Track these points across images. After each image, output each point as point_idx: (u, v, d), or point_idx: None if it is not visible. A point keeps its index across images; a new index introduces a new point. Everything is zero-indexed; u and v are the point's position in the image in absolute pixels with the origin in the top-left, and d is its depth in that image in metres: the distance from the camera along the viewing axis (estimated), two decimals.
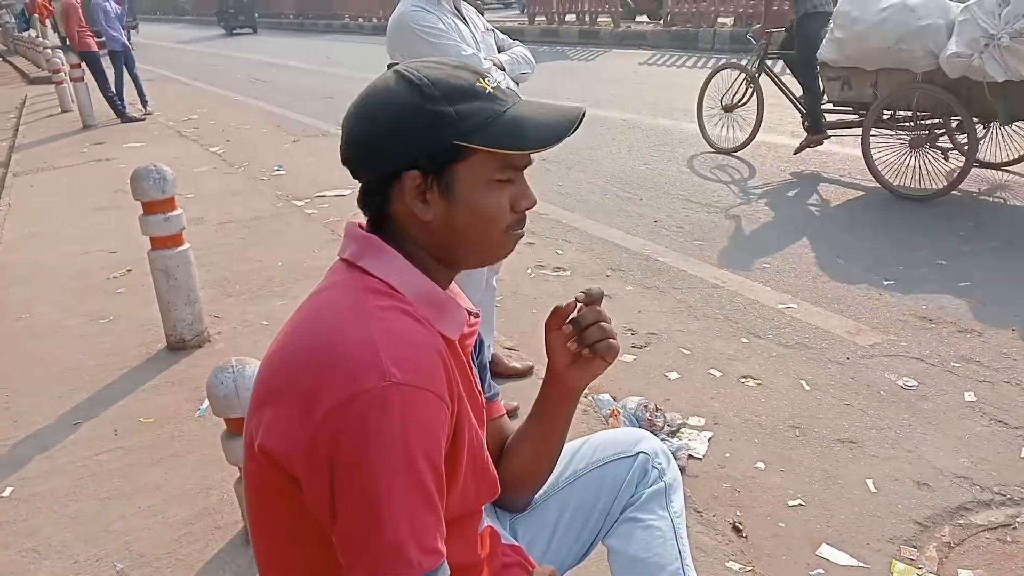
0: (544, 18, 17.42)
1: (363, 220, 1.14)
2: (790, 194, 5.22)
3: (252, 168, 7.33)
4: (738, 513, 2.32)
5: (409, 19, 2.56)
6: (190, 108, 11.64)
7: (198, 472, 2.62)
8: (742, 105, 6.32)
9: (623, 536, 1.34)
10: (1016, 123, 4.88)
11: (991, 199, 4.96)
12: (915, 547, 2.16)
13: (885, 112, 5.12)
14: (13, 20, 29.76)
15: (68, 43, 12.66)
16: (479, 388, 1.18)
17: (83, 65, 10.19)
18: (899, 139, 5.09)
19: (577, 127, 1.05)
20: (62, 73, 11.40)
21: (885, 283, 3.79)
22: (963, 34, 4.45)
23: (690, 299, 3.83)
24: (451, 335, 1.06)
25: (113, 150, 8.47)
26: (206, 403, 3.00)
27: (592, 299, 1.17)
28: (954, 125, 4.98)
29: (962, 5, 4.57)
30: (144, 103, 10.90)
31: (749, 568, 2.08)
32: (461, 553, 1.12)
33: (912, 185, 4.95)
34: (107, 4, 10.24)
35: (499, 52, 2.90)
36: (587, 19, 16.14)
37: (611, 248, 4.59)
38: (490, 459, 1.16)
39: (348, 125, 1.06)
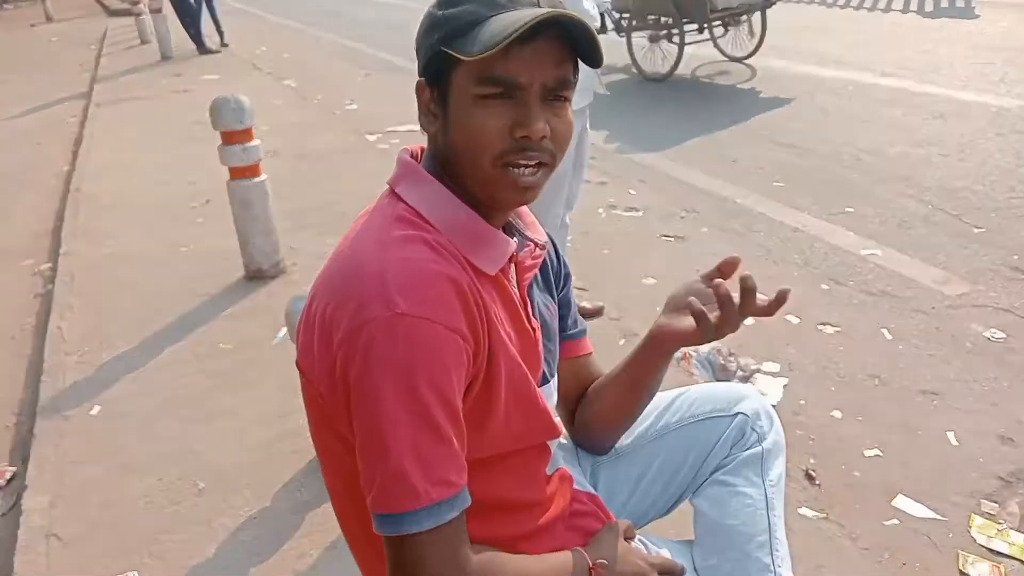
0: None
1: (422, 144, 1.11)
2: (875, 135, 4.99)
3: (325, 102, 7.37)
4: (812, 461, 2.27)
5: None
6: (265, 41, 11.71)
7: (276, 397, 2.70)
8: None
9: (711, 498, 1.27)
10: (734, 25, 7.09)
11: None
12: (996, 502, 2.09)
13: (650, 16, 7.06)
14: None
15: None
16: (535, 324, 1.12)
17: None
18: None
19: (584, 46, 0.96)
20: (142, 5, 11.57)
21: (976, 231, 3.62)
22: None
23: (768, 243, 3.72)
24: (486, 269, 1.01)
25: (190, 82, 8.60)
26: (283, 331, 3.07)
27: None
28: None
29: None
30: (221, 35, 11.00)
31: (823, 515, 2.05)
32: (521, 489, 1.11)
33: (650, 70, 7.04)
34: None
35: None
36: None
37: (687, 189, 4.48)
38: (543, 397, 1.11)
39: None
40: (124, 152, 5.98)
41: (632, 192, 4.47)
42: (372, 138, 5.95)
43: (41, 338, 3.31)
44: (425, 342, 0.90)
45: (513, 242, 1.06)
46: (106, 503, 2.29)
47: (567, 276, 1.26)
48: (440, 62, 0.97)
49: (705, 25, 6.94)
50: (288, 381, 2.74)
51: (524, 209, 1.14)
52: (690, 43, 6.87)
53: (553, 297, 1.22)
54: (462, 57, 0.93)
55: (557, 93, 0.97)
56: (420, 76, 1.02)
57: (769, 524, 1.23)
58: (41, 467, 2.44)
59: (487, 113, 0.95)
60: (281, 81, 8.41)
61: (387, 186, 1.06)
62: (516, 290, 1.09)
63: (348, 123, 6.46)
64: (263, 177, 3.49)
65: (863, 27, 8.36)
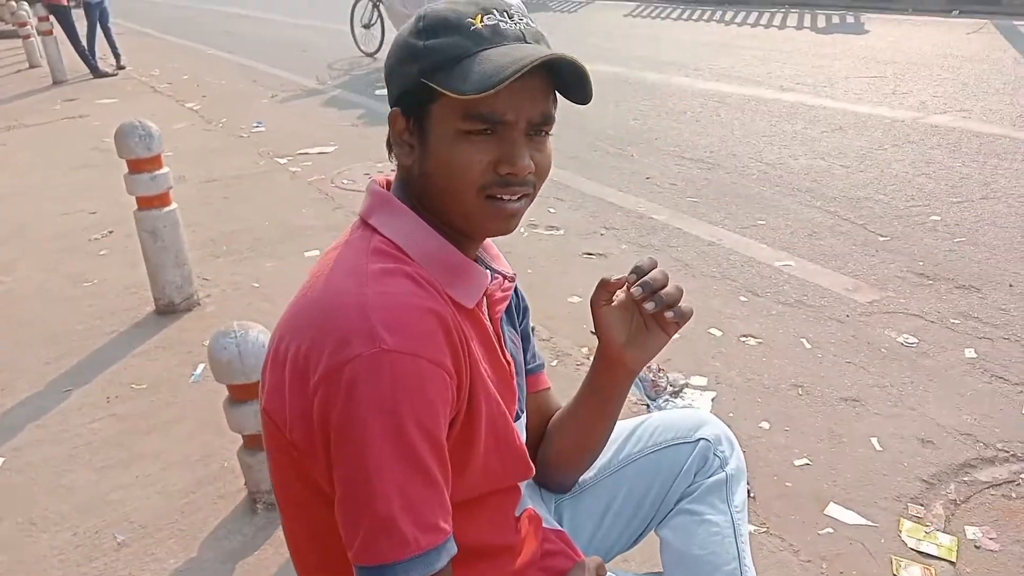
0: None
1: (388, 175, 1.08)
2: (779, 148, 5.17)
3: (231, 124, 7.16)
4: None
5: None
6: (163, 62, 11.32)
7: (196, 439, 2.57)
8: (373, 24, 9.64)
9: (677, 529, 1.25)
10: None
11: None
12: (922, 505, 2.17)
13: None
14: None
15: None
16: (509, 358, 1.11)
17: (52, 18, 9.85)
18: None
19: (579, 86, 0.97)
20: (29, 27, 11.03)
21: (881, 238, 3.78)
22: None
23: (686, 257, 3.79)
24: (465, 302, 0.99)
25: (86, 106, 8.24)
26: (200, 368, 2.95)
27: (645, 272, 1.08)
28: None
29: None
30: (117, 57, 10.58)
31: (763, 529, 2.08)
32: (492, 534, 1.08)
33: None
34: None
35: None
36: None
37: (604, 206, 4.54)
38: (520, 435, 1.10)
39: None
40: (17, 182, 5.65)
41: (551, 211, 4.49)
42: (283, 161, 5.81)
43: None
44: (411, 378, 0.86)
45: (488, 274, 1.03)
46: (15, 562, 2.12)
47: (525, 309, 1.23)
48: (419, 93, 0.94)
49: None
50: (209, 420, 2.62)
51: (488, 242, 1.11)
52: None
53: (516, 330, 1.19)
54: (452, 95, 0.90)
55: (540, 128, 0.96)
56: (393, 105, 0.99)
57: (738, 551, 1.22)
58: None
59: (472, 149, 0.93)
60: (183, 104, 8.14)
61: (358, 218, 1.03)
62: (489, 324, 1.06)
63: (256, 146, 6.29)
64: (173, 206, 3.34)
65: (761, 44, 8.69)
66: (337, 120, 7.05)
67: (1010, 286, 3.26)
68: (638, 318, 1.12)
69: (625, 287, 1.10)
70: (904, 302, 3.21)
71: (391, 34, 8.97)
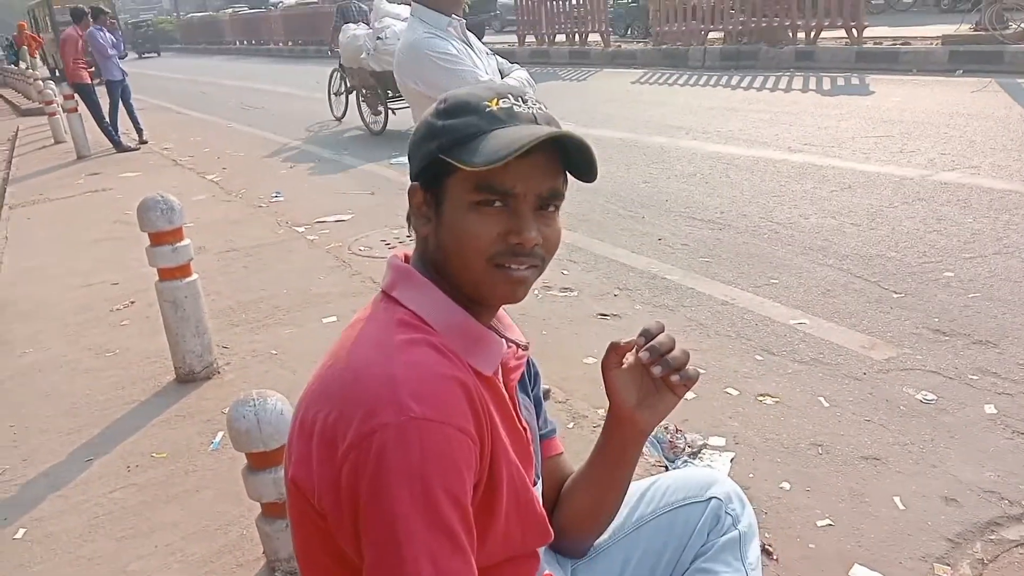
0: (534, 39, 17.52)
1: (407, 250, 1.13)
2: (789, 208, 5.22)
3: (250, 195, 7.32)
4: (767, 535, 2.28)
5: (424, 46, 2.56)
6: (184, 137, 11.63)
7: (215, 508, 2.58)
8: (341, 93, 10.92)
9: None
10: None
11: None
12: (948, 564, 2.13)
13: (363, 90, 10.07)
14: (1, 53, 29.82)
15: (59, 74, 12.68)
16: (525, 424, 1.14)
17: (76, 96, 10.18)
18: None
19: (581, 158, 1.02)
20: (55, 105, 11.39)
21: (895, 295, 3.78)
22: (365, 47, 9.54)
23: (700, 317, 3.81)
24: (484, 370, 1.03)
25: (109, 180, 8.45)
26: (219, 436, 2.97)
27: (653, 335, 1.12)
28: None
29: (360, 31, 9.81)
30: (139, 132, 10.89)
31: None
32: None
33: (372, 127, 10.03)
34: (104, 34, 10.26)
35: (501, 76, 2.90)
36: (577, 39, 16.23)
37: (617, 267, 4.58)
38: (538, 500, 1.12)
39: None
40: (42, 255, 5.78)
41: (565, 272, 4.53)
42: (301, 229, 5.91)
43: None
44: (439, 446, 0.89)
45: (503, 342, 1.06)
46: None
47: (537, 375, 1.26)
48: (437, 168, 1.00)
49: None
50: (228, 489, 2.63)
51: (502, 312, 1.15)
52: (401, 108, 9.44)
53: (529, 397, 1.22)
54: (464, 167, 0.96)
55: (549, 202, 1.02)
56: (413, 180, 1.05)
57: None
58: None
59: (482, 220, 0.99)
60: (204, 176, 8.33)
61: (380, 291, 1.07)
62: (505, 392, 1.09)
63: (275, 215, 6.42)
64: (194, 276, 3.41)
65: (767, 107, 8.83)
66: (353, 188, 7.19)
67: None
68: (648, 380, 1.15)
69: (634, 350, 1.13)
70: (921, 359, 3.21)
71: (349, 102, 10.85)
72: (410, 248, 1.13)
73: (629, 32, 18.16)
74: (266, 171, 8.55)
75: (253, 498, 2.16)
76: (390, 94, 9.44)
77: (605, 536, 1.31)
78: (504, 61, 3.00)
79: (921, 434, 2.72)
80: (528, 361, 1.24)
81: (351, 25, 10.29)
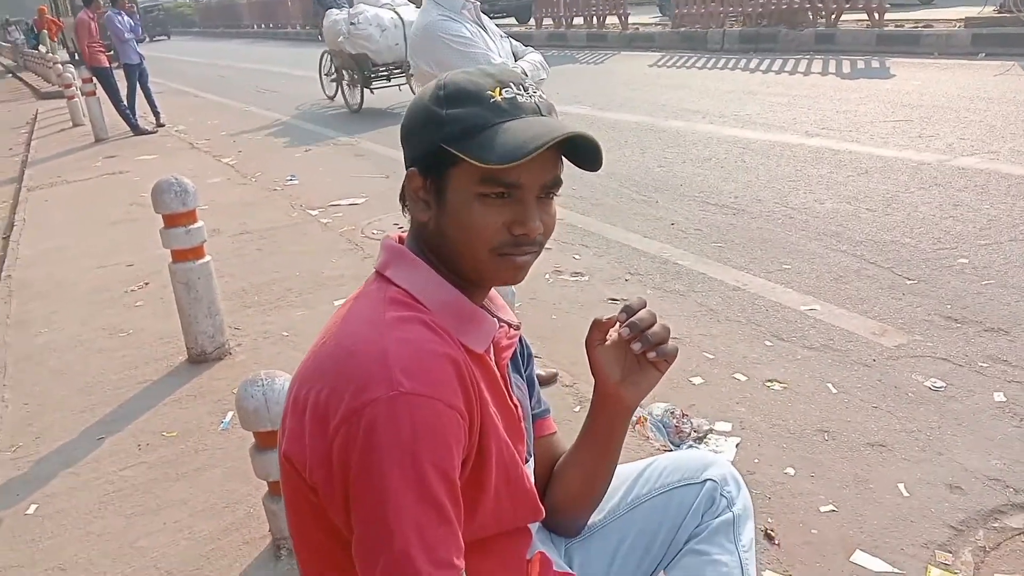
0: (551, 21, 17.41)
1: (401, 232, 1.14)
2: (804, 193, 5.17)
3: (265, 178, 7.35)
4: (770, 520, 2.29)
5: (437, 28, 2.57)
6: (201, 120, 11.69)
7: (223, 486, 2.61)
8: (332, 74, 11.43)
9: (686, 569, 1.27)
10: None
11: None
12: (950, 552, 2.12)
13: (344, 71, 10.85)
14: (22, 36, 30.02)
15: (79, 58, 12.77)
16: (516, 401, 1.15)
17: (94, 80, 10.24)
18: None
19: (590, 156, 1.03)
20: (73, 88, 11.47)
21: (908, 282, 3.75)
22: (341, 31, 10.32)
23: (711, 302, 3.80)
24: (475, 347, 1.04)
25: (126, 163, 8.51)
26: (229, 416, 3.00)
27: (634, 311, 1.13)
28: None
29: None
30: (156, 116, 10.95)
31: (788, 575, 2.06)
32: (503, 574, 1.10)
33: (351, 104, 10.78)
34: (122, 18, 10.30)
35: (515, 59, 2.90)
36: (595, 21, 16.11)
37: (628, 252, 4.57)
38: (529, 477, 1.13)
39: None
40: (58, 236, 5.84)
41: (576, 257, 4.53)
42: (314, 212, 5.94)
43: None
44: (428, 421, 0.90)
45: (495, 321, 1.07)
46: None
47: (530, 356, 1.28)
48: (438, 157, 1.00)
49: (379, 73, 10.53)
50: (236, 467, 2.67)
51: (494, 292, 1.16)
52: (380, 87, 10.70)
53: (522, 377, 1.23)
54: (478, 164, 0.96)
55: (550, 191, 1.03)
56: (410, 165, 1.05)
57: None
58: None
59: (487, 211, 1.00)
60: (219, 159, 8.38)
61: (374, 271, 1.09)
62: (497, 370, 1.10)
63: (290, 198, 6.45)
64: (207, 258, 3.44)
65: (786, 90, 8.75)
66: (367, 172, 7.21)
67: None
68: (631, 356, 1.16)
69: (616, 326, 1.14)
70: (932, 346, 3.18)
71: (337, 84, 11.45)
72: (404, 231, 1.14)
73: None
74: (281, 154, 8.59)
75: (260, 476, 2.19)
76: (366, 74, 10.33)
77: (600, 515, 1.33)
78: (518, 44, 3.00)
79: (928, 421, 2.70)
80: (521, 341, 1.25)
81: (334, 11, 11.11)
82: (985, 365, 3.00)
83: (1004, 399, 2.77)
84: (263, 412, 2.07)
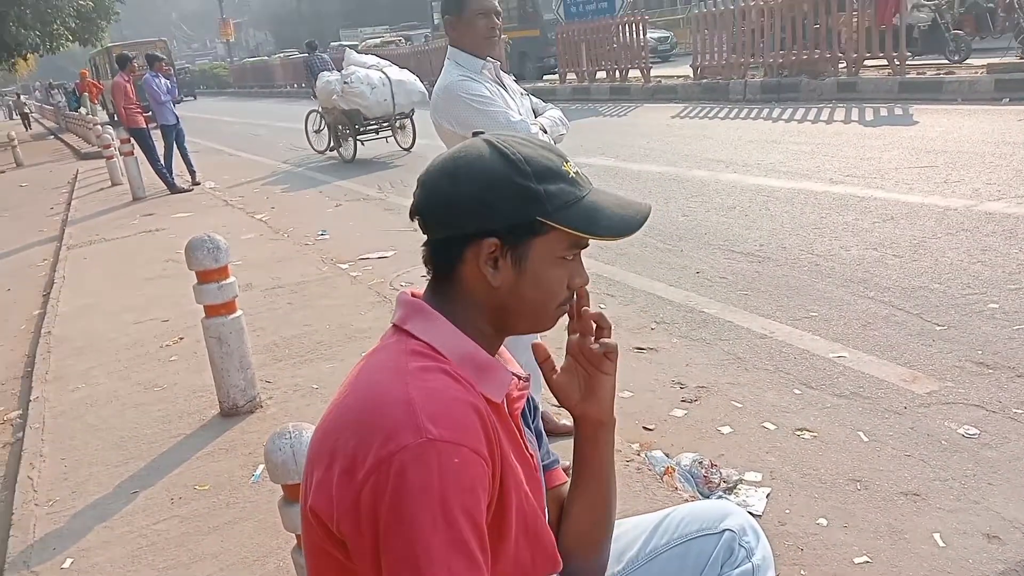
0: (575, 76, 17.70)
1: (414, 289, 1.18)
2: (830, 240, 5.17)
3: (297, 233, 7.49)
4: (803, 572, 2.26)
5: (457, 88, 2.65)
6: (235, 177, 11.98)
7: (254, 539, 2.63)
8: (321, 130, 12.76)
9: None
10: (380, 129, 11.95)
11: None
12: None
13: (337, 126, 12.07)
14: (64, 99, 31.11)
15: (117, 119, 13.20)
16: (531, 452, 1.17)
17: (132, 140, 10.56)
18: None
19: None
20: (112, 148, 11.83)
21: (938, 328, 3.72)
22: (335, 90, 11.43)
23: (738, 350, 3.79)
24: (494, 397, 1.07)
25: (162, 221, 8.72)
26: (260, 468, 3.03)
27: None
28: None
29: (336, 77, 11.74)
30: (192, 174, 11.24)
31: None
32: None
33: (345, 156, 11.99)
34: (159, 80, 10.65)
35: (535, 115, 2.97)
36: (617, 75, 16.36)
37: (654, 300, 4.58)
38: (547, 527, 1.15)
39: (432, 181, 1.10)
40: (96, 293, 5.99)
41: (602, 306, 4.55)
42: (344, 266, 6.04)
43: (11, 490, 3.22)
44: (456, 468, 0.93)
45: (509, 372, 1.10)
46: None
47: (536, 409, 1.30)
48: (527, 227, 1.06)
49: (369, 127, 11.73)
50: (267, 520, 2.69)
51: (502, 348, 1.20)
52: (370, 140, 12.00)
53: (531, 430, 1.25)
54: (586, 236, 1.08)
55: None
56: (486, 235, 1.06)
57: None
58: None
59: (563, 272, 1.11)
60: (253, 215, 8.56)
61: (392, 324, 1.13)
62: (511, 420, 1.13)
63: (320, 253, 6.56)
64: (239, 313, 3.51)
65: (808, 139, 8.79)
66: (396, 226, 7.32)
67: None
68: (582, 373, 1.22)
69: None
70: (964, 392, 3.14)
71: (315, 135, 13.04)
72: (412, 287, 1.19)
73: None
74: (313, 209, 8.76)
75: (289, 529, 2.20)
76: (358, 128, 11.62)
77: (619, 567, 1.33)
78: (539, 101, 3.07)
79: (963, 469, 2.66)
80: (529, 396, 1.28)
81: (326, 73, 12.45)
82: (1019, 411, 2.96)
83: None
84: (291, 465, 2.09)
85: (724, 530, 1.31)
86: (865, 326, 3.87)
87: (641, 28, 15.65)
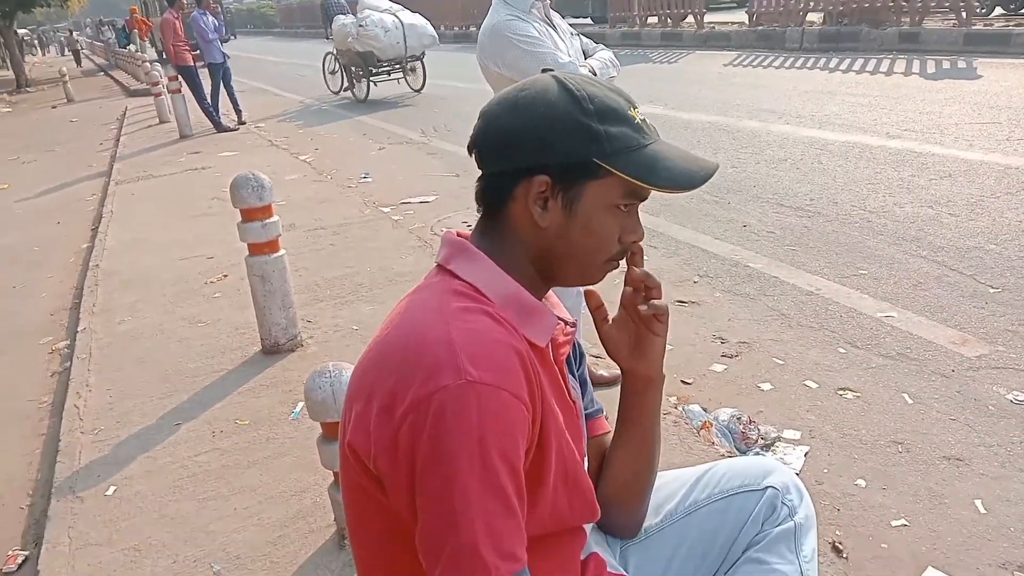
0: (624, 24, 17.27)
1: (459, 229, 1.15)
2: (884, 196, 5.01)
3: (340, 176, 7.50)
4: (838, 532, 2.23)
5: (505, 28, 2.58)
6: (280, 117, 12.00)
7: (292, 475, 2.68)
8: (336, 72, 13.24)
9: None
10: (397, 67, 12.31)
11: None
12: None
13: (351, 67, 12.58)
14: (114, 36, 31.34)
15: (166, 57, 13.27)
16: (574, 398, 1.15)
17: (180, 78, 10.61)
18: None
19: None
20: (160, 86, 11.91)
21: (992, 290, 3.60)
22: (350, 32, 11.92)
23: (783, 307, 3.71)
24: (537, 340, 1.05)
25: (209, 159, 8.79)
26: (299, 406, 3.07)
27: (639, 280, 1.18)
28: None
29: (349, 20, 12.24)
30: (239, 113, 11.28)
31: None
32: (557, 574, 1.10)
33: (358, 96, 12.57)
34: (206, 18, 10.64)
35: (585, 56, 2.89)
36: (669, 21, 15.93)
37: (698, 253, 4.51)
38: (587, 475, 1.13)
39: (493, 113, 1.06)
40: (143, 229, 6.08)
41: (644, 258, 4.48)
42: (387, 210, 6.03)
43: (58, 417, 3.32)
44: (496, 411, 0.91)
45: (555, 316, 1.08)
46: None
47: (582, 356, 1.28)
48: (583, 168, 1.02)
49: (382, 68, 12.19)
50: (305, 457, 2.73)
51: (550, 292, 1.17)
52: (382, 81, 12.51)
53: (575, 377, 1.23)
54: (642, 185, 1.02)
55: None
56: (540, 171, 1.02)
57: None
58: (53, 551, 2.42)
59: (615, 221, 1.05)
60: (297, 156, 8.58)
61: (436, 264, 1.11)
62: (555, 365, 1.11)
63: (363, 196, 6.56)
64: (282, 252, 3.53)
65: (866, 91, 8.49)
66: (438, 170, 7.28)
67: None
68: (632, 329, 1.19)
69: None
70: (1015, 357, 3.05)
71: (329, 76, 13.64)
72: (460, 227, 1.15)
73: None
74: (357, 152, 8.75)
75: (327, 467, 2.24)
76: (371, 70, 12.08)
77: (657, 519, 1.31)
78: (589, 41, 2.98)
79: (1010, 436, 2.59)
80: (575, 342, 1.25)
81: (341, 16, 12.76)
82: None
83: None
84: (330, 403, 2.12)
85: (767, 487, 1.28)
86: (916, 286, 3.76)
87: None
